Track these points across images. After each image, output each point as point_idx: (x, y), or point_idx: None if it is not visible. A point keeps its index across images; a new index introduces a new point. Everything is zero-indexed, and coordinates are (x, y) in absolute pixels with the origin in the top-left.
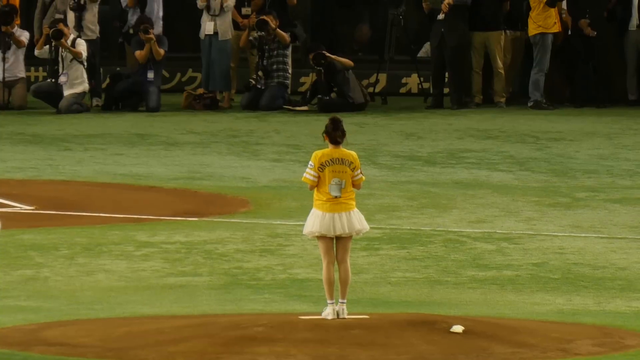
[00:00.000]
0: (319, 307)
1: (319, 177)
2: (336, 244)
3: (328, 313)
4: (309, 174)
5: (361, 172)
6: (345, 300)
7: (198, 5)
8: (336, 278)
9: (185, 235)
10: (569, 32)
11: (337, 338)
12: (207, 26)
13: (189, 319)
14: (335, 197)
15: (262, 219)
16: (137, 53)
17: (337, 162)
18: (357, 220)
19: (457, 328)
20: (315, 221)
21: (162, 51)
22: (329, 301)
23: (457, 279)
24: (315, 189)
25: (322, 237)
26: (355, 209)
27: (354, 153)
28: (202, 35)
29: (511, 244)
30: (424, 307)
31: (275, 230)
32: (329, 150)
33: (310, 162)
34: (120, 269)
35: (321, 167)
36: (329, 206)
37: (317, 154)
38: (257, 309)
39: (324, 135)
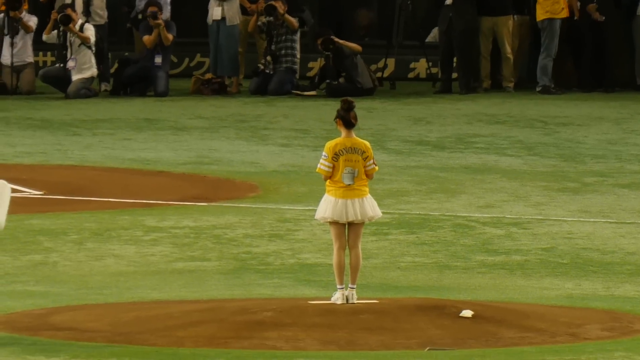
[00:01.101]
0: (328, 291)
1: (333, 167)
2: (348, 229)
3: (337, 298)
4: (323, 164)
5: (374, 162)
6: (355, 286)
7: None
8: (346, 263)
9: (194, 220)
10: (576, 17)
11: (346, 323)
12: (215, 11)
13: (197, 304)
14: (348, 185)
15: (271, 203)
16: (145, 38)
17: (351, 151)
18: (369, 207)
19: (467, 313)
20: (327, 207)
21: (170, 36)
22: (338, 286)
23: (466, 263)
24: (327, 182)
25: (334, 223)
26: (369, 196)
27: (367, 142)
28: (209, 21)
29: (520, 228)
30: (433, 292)
31: (284, 215)
32: (341, 139)
33: (324, 153)
34: (129, 254)
35: (335, 157)
36: (342, 192)
37: (330, 144)
38: (266, 294)
39: (337, 120)
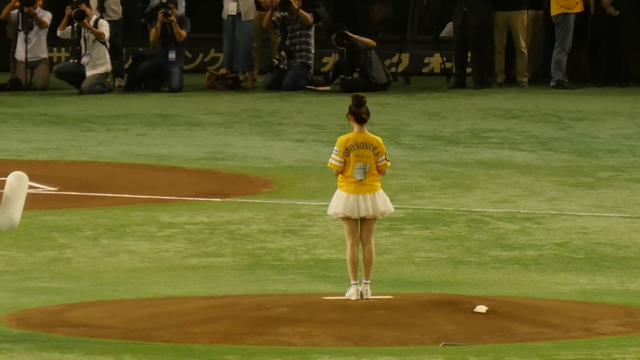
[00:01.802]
0: (342, 287)
1: (344, 162)
2: (360, 225)
3: (352, 294)
4: (334, 159)
5: (386, 158)
6: (369, 281)
7: None
8: (360, 259)
9: (208, 216)
10: (592, 12)
11: (361, 318)
12: (230, 7)
13: (212, 300)
14: (360, 180)
15: (285, 199)
16: (152, 32)
17: (362, 146)
18: (381, 202)
19: (481, 308)
20: (339, 202)
21: (184, 32)
22: (352, 282)
23: (480, 259)
24: (339, 178)
25: (346, 218)
26: (381, 191)
27: (379, 138)
28: (224, 16)
29: (534, 223)
30: (447, 287)
31: (298, 210)
32: (353, 134)
33: (335, 148)
34: (144, 250)
35: (346, 152)
36: (353, 188)
37: (342, 139)
38: (281, 290)
39: (349, 116)
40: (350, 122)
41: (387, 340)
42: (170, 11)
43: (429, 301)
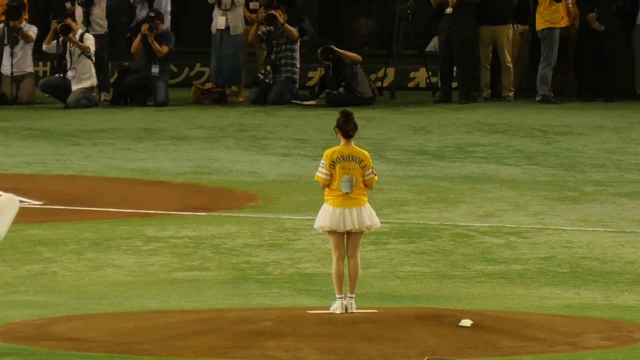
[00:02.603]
0: (327, 301)
1: (330, 175)
2: (347, 239)
3: (336, 307)
4: (320, 172)
5: (373, 172)
6: (354, 295)
7: (209, 0)
8: (345, 273)
9: (194, 230)
10: (576, 26)
11: (346, 332)
12: (219, 20)
13: (197, 314)
14: (346, 193)
15: (271, 213)
16: (133, 44)
17: (348, 159)
18: (367, 216)
19: (466, 322)
20: (325, 216)
21: (164, 49)
22: (337, 296)
23: (465, 273)
24: (326, 191)
25: (332, 232)
26: (367, 205)
27: (365, 152)
28: (213, 30)
29: (519, 238)
30: (432, 301)
31: (283, 224)
32: (339, 147)
33: (322, 161)
34: (129, 264)
35: (332, 164)
36: (340, 201)
37: (328, 152)
38: (266, 304)
39: (336, 129)
40: (338, 134)
41: (371, 354)
42: (155, 26)
43: (413, 315)
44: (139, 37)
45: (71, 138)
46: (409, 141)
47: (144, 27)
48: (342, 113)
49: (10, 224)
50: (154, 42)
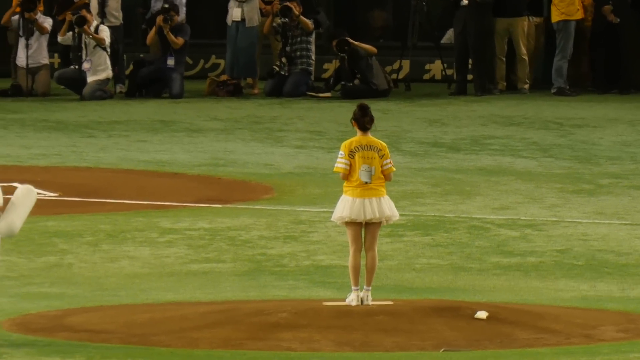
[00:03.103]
0: (342, 293)
1: (350, 165)
2: (365, 231)
3: (352, 299)
4: (340, 162)
5: (391, 163)
6: (370, 287)
7: None
8: (362, 264)
9: (209, 222)
10: (590, 18)
11: (361, 324)
12: (235, 12)
13: (212, 306)
14: (366, 182)
15: (286, 205)
16: (148, 35)
17: (366, 148)
18: (387, 207)
19: (481, 314)
20: (345, 206)
21: (179, 41)
22: (353, 287)
23: (481, 265)
24: (345, 183)
25: (350, 224)
26: (386, 196)
27: (383, 142)
28: (229, 22)
29: (535, 230)
30: (448, 294)
31: (299, 216)
32: (357, 137)
33: (340, 152)
34: (144, 256)
35: (351, 154)
36: (359, 192)
37: (346, 143)
38: (281, 296)
39: (353, 122)
40: (354, 127)
41: (387, 346)
42: (170, 18)
43: (429, 307)
44: (154, 29)
45: (86, 130)
46: (424, 133)
47: (159, 19)
48: (359, 106)
49: (26, 216)
50: (170, 33)
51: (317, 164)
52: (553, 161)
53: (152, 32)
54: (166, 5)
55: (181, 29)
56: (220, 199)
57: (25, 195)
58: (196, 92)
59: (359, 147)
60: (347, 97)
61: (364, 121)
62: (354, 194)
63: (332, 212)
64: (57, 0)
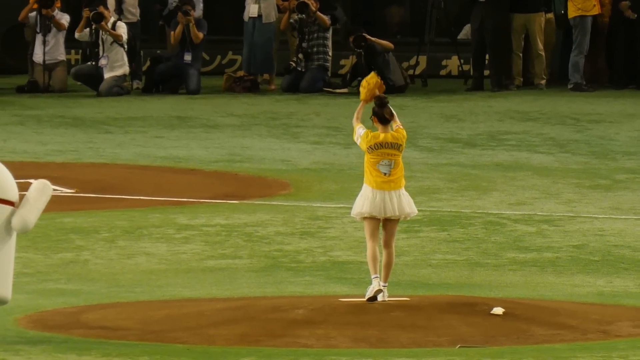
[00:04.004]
0: (359, 289)
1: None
2: (383, 226)
3: (373, 288)
4: (358, 134)
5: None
6: (386, 284)
7: None
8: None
9: (226, 218)
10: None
11: (378, 320)
12: (252, 9)
13: (229, 302)
14: (385, 174)
15: (303, 201)
16: (172, 33)
17: (387, 146)
18: (406, 204)
19: (498, 310)
20: (365, 202)
21: (200, 34)
22: (373, 276)
23: (497, 261)
24: (365, 165)
25: (369, 219)
26: (404, 190)
27: (403, 133)
28: (246, 18)
29: (551, 226)
30: (464, 289)
31: (315, 212)
32: (379, 134)
33: (362, 130)
34: (161, 252)
35: (370, 149)
36: (379, 183)
37: (371, 134)
38: (298, 292)
39: (372, 117)
40: (374, 123)
41: (403, 342)
42: (187, 11)
43: (445, 303)
44: (180, 27)
45: (103, 126)
46: (441, 129)
47: (180, 17)
48: (377, 97)
49: (41, 212)
50: (194, 27)
51: (334, 160)
52: (569, 156)
53: (178, 30)
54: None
55: (199, 24)
56: (237, 195)
57: (40, 190)
58: (213, 88)
59: (379, 145)
60: None
61: (382, 112)
62: (374, 185)
63: (348, 208)
64: None
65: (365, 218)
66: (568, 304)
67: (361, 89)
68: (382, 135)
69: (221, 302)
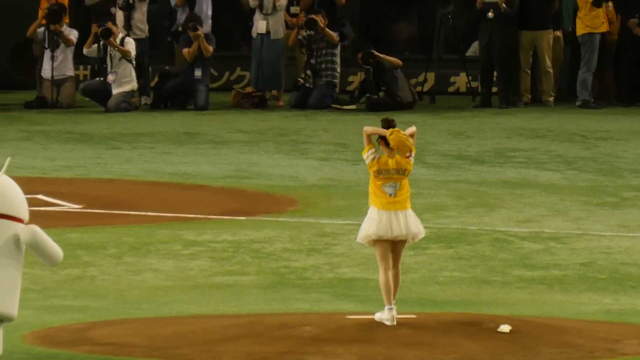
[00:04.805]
0: (366, 306)
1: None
2: (391, 248)
3: (387, 319)
4: (367, 152)
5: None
6: (393, 304)
7: (250, 4)
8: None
9: (233, 234)
10: (616, 32)
11: (385, 338)
12: (260, 25)
13: (236, 319)
14: (390, 195)
15: (310, 218)
16: (185, 51)
17: (394, 172)
18: (413, 224)
19: (505, 328)
20: (371, 225)
21: (210, 48)
22: (387, 306)
23: (504, 278)
24: (371, 186)
25: (378, 242)
26: (411, 210)
27: (410, 165)
28: (254, 34)
29: (559, 243)
30: (471, 307)
31: (322, 229)
32: (386, 160)
33: (375, 151)
34: (168, 268)
35: (375, 174)
36: (385, 203)
37: (375, 158)
38: (305, 309)
39: (379, 140)
40: (381, 146)
41: (410, 359)
42: (194, 27)
43: (452, 321)
44: (195, 44)
45: (111, 142)
46: (448, 146)
47: (191, 33)
48: (384, 120)
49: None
50: (204, 41)
51: (342, 176)
52: (577, 174)
53: (194, 47)
54: (182, 20)
55: (208, 39)
56: (245, 211)
57: (35, 240)
58: (221, 104)
59: (385, 171)
60: (372, 109)
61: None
62: (380, 206)
63: (356, 225)
64: (94, 11)
65: (374, 242)
66: (575, 322)
67: (392, 137)
68: (388, 161)
69: (228, 318)
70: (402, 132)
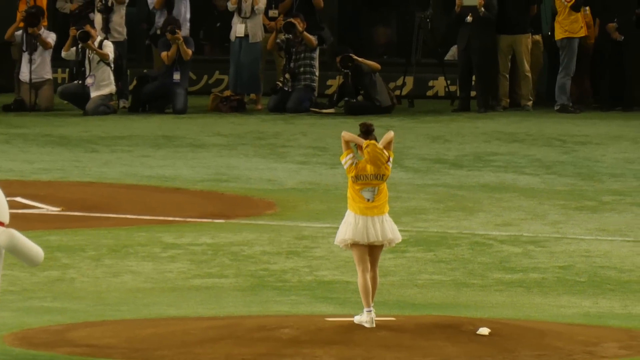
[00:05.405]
0: (345, 309)
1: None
2: (368, 252)
3: (366, 321)
4: (345, 158)
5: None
6: (371, 307)
7: (229, 7)
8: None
9: (212, 237)
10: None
11: (363, 340)
12: (238, 28)
13: (215, 321)
14: (368, 200)
15: (289, 221)
16: (163, 54)
17: (372, 177)
18: (389, 230)
19: (484, 330)
20: (347, 229)
21: (189, 51)
22: (366, 309)
23: (483, 281)
24: (349, 190)
25: (355, 246)
26: (387, 216)
27: (389, 170)
28: (232, 37)
29: (537, 247)
30: (450, 310)
31: (301, 232)
32: (364, 165)
33: (353, 156)
34: (147, 271)
35: (354, 179)
36: (362, 208)
37: (353, 164)
38: (283, 311)
39: (357, 145)
40: (359, 151)
41: None
42: (172, 30)
43: (431, 323)
44: (174, 47)
45: (89, 145)
46: (427, 150)
47: (169, 36)
48: (363, 125)
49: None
50: (183, 44)
51: (320, 180)
52: (556, 178)
53: (172, 50)
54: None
55: (187, 42)
56: (223, 215)
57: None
58: (199, 108)
59: (364, 177)
60: (351, 113)
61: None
62: (357, 210)
63: (334, 228)
64: (73, 16)
65: (351, 246)
66: (554, 324)
67: (368, 151)
68: (367, 167)
69: (207, 320)
70: (378, 145)
